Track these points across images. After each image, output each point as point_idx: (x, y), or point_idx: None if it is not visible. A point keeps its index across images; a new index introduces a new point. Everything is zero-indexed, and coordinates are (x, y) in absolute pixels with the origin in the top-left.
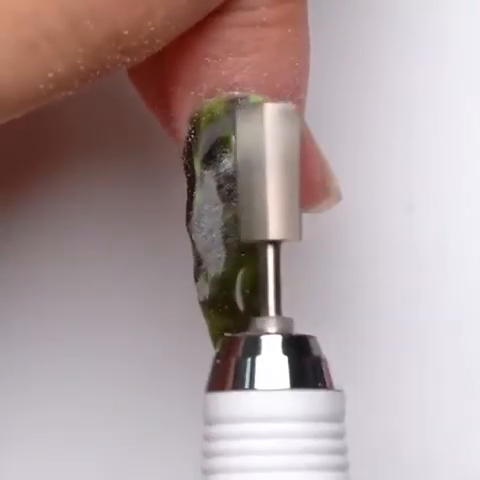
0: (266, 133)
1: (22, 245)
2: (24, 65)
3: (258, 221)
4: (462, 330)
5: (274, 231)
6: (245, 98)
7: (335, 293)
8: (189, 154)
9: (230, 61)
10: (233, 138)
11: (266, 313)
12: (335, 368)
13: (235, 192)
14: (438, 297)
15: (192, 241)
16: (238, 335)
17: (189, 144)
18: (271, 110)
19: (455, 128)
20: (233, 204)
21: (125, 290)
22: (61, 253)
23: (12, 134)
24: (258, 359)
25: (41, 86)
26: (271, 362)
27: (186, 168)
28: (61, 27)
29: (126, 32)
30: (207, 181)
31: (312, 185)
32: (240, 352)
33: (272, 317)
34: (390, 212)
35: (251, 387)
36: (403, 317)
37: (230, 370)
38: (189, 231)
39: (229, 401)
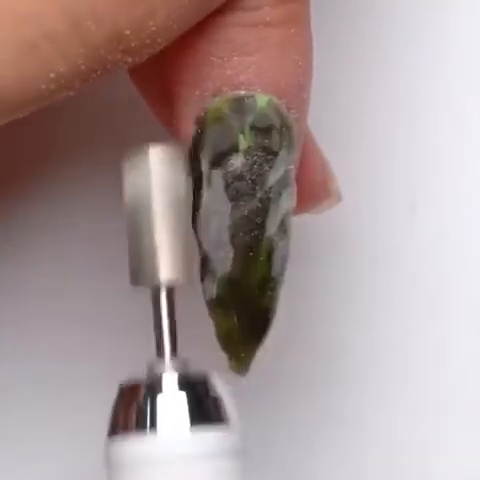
0: (152, 176)
1: (22, 245)
2: (25, 65)
3: (147, 267)
4: (464, 330)
5: (164, 276)
6: (252, 97)
7: (335, 293)
8: (196, 154)
9: (235, 61)
10: (241, 137)
11: (162, 355)
12: (334, 367)
13: (243, 191)
14: (440, 297)
15: (198, 241)
16: (135, 380)
17: (195, 144)
18: (156, 153)
19: (458, 128)
20: (241, 203)
21: (125, 291)
22: (61, 254)
23: (12, 135)
24: (158, 401)
25: (42, 86)
26: (169, 404)
27: (192, 168)
28: (63, 27)
29: (128, 32)
30: (214, 181)
31: (313, 185)
32: (139, 396)
33: (168, 358)
34: (393, 212)
35: (152, 428)
36: (404, 317)
37: (131, 414)
38: (195, 231)
39: (130, 446)
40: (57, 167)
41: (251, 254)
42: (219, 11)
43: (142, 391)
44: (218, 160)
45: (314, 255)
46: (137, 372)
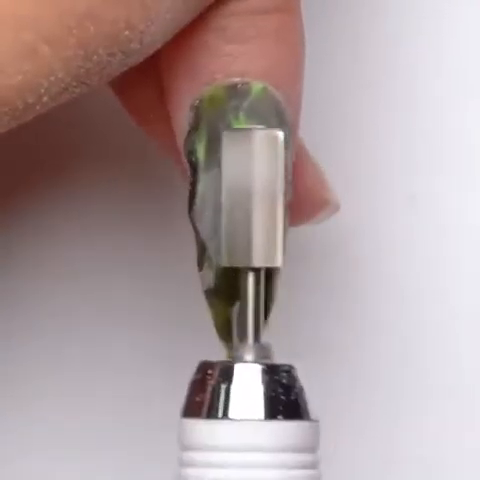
0: (254, 160)
1: (23, 257)
2: (26, 69)
3: (241, 248)
4: (465, 319)
5: (257, 258)
6: (247, 83)
7: (336, 286)
8: (192, 142)
9: (229, 49)
10: (236, 123)
11: (244, 340)
12: (335, 361)
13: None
14: (438, 291)
15: (195, 229)
16: (214, 361)
17: (191, 131)
18: (260, 136)
19: (455, 120)
20: None
21: (126, 302)
22: (61, 266)
23: (11, 147)
24: (233, 388)
25: (42, 90)
26: (246, 391)
27: (188, 156)
28: (61, 30)
29: (126, 32)
30: (211, 167)
31: (309, 196)
32: (215, 379)
33: (250, 344)
34: (392, 203)
35: (225, 416)
36: (404, 313)
37: (205, 397)
38: (192, 219)
39: (202, 429)
40: (57, 181)
41: None
42: (213, 1)
43: (219, 374)
44: (215, 146)
45: (314, 248)
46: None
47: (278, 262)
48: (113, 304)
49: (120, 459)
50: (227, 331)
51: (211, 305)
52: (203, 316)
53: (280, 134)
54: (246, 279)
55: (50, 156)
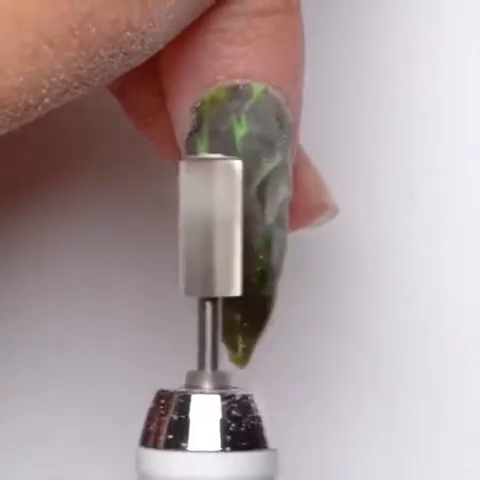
0: (213, 190)
1: (23, 258)
2: (27, 70)
3: (200, 278)
4: (464, 312)
5: (216, 289)
6: (248, 85)
7: (338, 282)
8: (193, 143)
9: (229, 51)
10: (237, 125)
11: (202, 368)
12: (335, 361)
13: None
14: (438, 291)
15: None
16: (172, 390)
17: (192, 133)
18: (219, 166)
19: (453, 118)
20: None
21: (126, 302)
22: (61, 267)
23: (12, 149)
24: (190, 418)
25: (43, 91)
26: (203, 422)
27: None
28: (63, 31)
29: (128, 33)
30: None
31: (308, 201)
32: (173, 409)
33: (208, 373)
34: (393, 201)
35: (181, 448)
36: (404, 312)
37: (163, 427)
38: None
39: (159, 460)
40: (55, 185)
41: (250, 244)
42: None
43: (176, 405)
44: (216, 148)
45: (314, 248)
46: (176, 382)
47: (237, 291)
48: (113, 304)
49: (120, 459)
50: (229, 333)
51: None
52: None
53: (238, 163)
54: (204, 308)
55: (51, 158)
